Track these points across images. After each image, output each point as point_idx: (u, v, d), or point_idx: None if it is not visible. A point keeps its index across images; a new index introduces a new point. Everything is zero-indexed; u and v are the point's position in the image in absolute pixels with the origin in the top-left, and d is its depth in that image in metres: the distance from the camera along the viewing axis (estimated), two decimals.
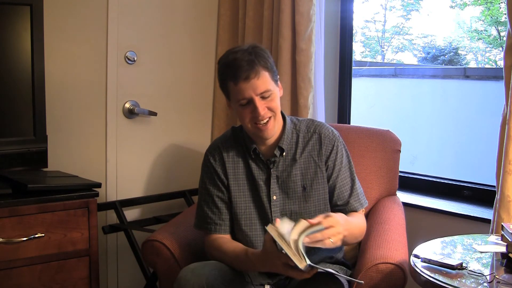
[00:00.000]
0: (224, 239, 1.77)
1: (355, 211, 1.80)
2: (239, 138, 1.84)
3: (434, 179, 2.57)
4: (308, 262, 1.43)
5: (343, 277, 1.59)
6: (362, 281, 1.58)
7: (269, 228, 1.47)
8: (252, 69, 1.63)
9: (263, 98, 1.67)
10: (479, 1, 3.28)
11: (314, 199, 1.78)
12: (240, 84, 1.64)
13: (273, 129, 1.73)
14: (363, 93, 3.37)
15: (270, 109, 1.69)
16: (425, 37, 3.69)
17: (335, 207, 1.80)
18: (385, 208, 2.08)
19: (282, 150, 1.78)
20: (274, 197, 1.78)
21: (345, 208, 1.79)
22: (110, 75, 2.47)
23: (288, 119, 1.82)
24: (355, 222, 1.71)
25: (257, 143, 1.79)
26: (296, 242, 1.44)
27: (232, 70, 1.65)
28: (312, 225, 1.47)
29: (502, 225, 1.57)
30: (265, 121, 1.69)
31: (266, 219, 1.78)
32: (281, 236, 1.46)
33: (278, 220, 1.50)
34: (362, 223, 1.76)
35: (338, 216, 1.56)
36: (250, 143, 1.79)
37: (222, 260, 1.69)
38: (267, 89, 1.67)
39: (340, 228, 1.51)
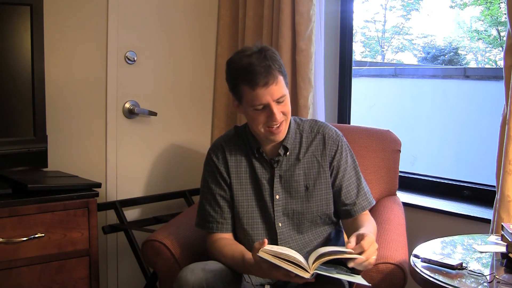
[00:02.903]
0: (225, 240, 1.77)
1: (364, 210, 1.80)
2: (242, 137, 1.83)
3: (434, 179, 2.57)
4: (315, 271, 1.43)
5: (349, 281, 1.57)
6: (370, 284, 1.57)
7: (261, 254, 1.44)
8: (270, 75, 1.63)
9: (278, 103, 1.67)
10: (479, 1, 3.27)
11: (316, 199, 1.78)
12: (258, 90, 1.63)
13: (285, 132, 1.74)
14: (363, 93, 3.36)
15: (283, 113, 1.69)
16: (425, 37, 3.69)
17: (343, 207, 1.80)
18: (385, 208, 2.09)
19: (286, 150, 1.78)
20: (277, 197, 1.78)
21: (354, 208, 1.79)
22: (110, 75, 2.47)
23: (291, 119, 1.82)
24: (375, 232, 1.72)
25: (262, 143, 1.79)
26: (318, 257, 1.45)
27: (249, 75, 1.63)
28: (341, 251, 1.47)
29: (502, 225, 1.57)
30: (278, 124, 1.70)
31: (268, 218, 1.78)
32: (277, 256, 1.44)
33: (265, 240, 1.48)
34: (376, 229, 1.77)
35: (370, 234, 1.55)
36: (254, 143, 1.79)
37: (222, 262, 1.69)
38: (283, 94, 1.67)
39: (376, 244, 1.51)
